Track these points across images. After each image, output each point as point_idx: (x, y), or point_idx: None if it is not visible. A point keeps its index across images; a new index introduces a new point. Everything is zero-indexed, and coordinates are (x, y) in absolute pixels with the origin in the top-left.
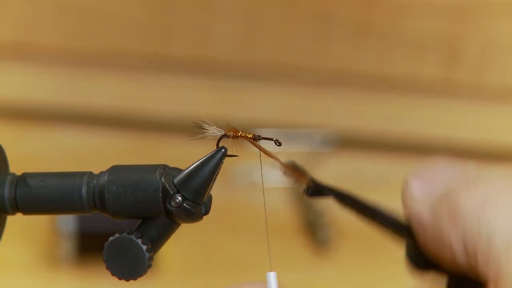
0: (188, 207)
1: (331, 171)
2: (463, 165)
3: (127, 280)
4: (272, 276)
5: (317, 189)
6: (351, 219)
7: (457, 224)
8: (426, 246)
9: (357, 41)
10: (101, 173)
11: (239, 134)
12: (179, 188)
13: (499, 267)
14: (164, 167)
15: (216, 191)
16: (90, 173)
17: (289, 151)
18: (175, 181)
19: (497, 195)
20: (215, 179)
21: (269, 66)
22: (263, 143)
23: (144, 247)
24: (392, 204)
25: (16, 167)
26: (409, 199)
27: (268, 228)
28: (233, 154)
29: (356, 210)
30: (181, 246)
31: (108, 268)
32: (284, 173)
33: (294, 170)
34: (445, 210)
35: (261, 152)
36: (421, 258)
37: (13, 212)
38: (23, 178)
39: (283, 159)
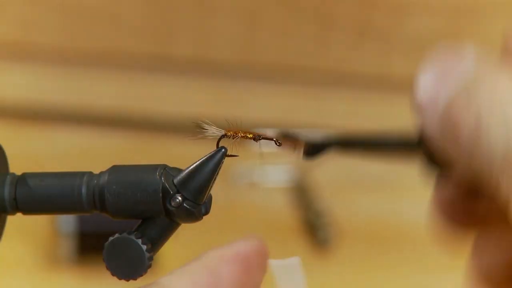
0: (188, 207)
1: (331, 171)
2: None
3: (127, 280)
4: (297, 262)
5: (315, 148)
6: (351, 219)
7: (460, 142)
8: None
9: (357, 41)
10: (101, 173)
11: (239, 134)
12: (179, 188)
13: None
14: (164, 167)
15: (216, 191)
16: (90, 173)
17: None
18: (175, 181)
19: (494, 101)
20: (215, 179)
21: (269, 66)
22: (262, 143)
23: (144, 247)
24: (392, 204)
25: (16, 167)
26: (419, 108)
27: (271, 227)
28: (233, 154)
29: (362, 150)
30: (181, 246)
31: (108, 268)
32: (279, 144)
33: (286, 138)
34: (448, 124)
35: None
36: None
37: (13, 212)
38: (23, 178)
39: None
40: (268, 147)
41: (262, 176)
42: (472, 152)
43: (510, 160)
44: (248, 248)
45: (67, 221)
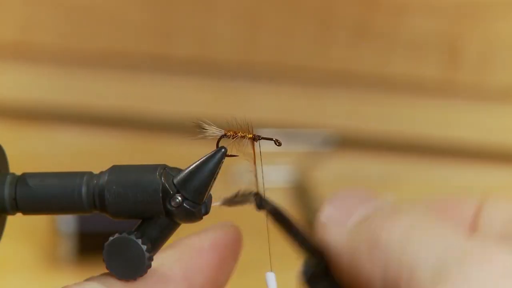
0: (188, 207)
1: (331, 171)
2: (377, 196)
3: (127, 280)
4: (271, 277)
5: (260, 202)
6: None
7: (378, 256)
8: (340, 273)
9: (357, 41)
10: (101, 173)
11: (239, 134)
12: (179, 188)
13: None
14: (164, 167)
15: (216, 191)
16: (90, 173)
17: (289, 151)
18: (175, 181)
19: (419, 228)
20: (215, 179)
21: (269, 66)
22: (262, 143)
23: (144, 247)
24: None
25: (16, 167)
26: (324, 225)
27: (268, 228)
28: (233, 154)
29: (284, 229)
30: None
31: (108, 268)
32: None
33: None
34: (365, 240)
35: (260, 152)
36: (323, 283)
37: (13, 212)
38: (23, 178)
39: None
40: (268, 147)
41: (263, 176)
42: (389, 263)
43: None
44: (223, 237)
45: (67, 221)
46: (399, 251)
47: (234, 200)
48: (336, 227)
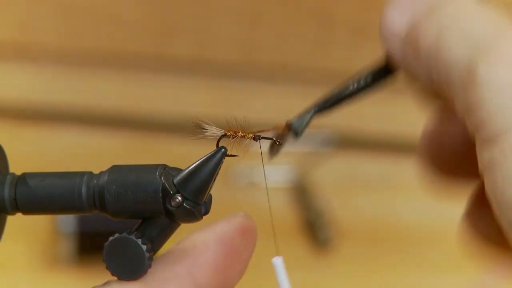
0: (188, 207)
1: (331, 171)
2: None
3: (127, 280)
4: (279, 262)
5: (299, 126)
6: (351, 219)
7: (420, 58)
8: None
9: (357, 41)
10: (101, 173)
11: (239, 134)
12: (179, 188)
13: (465, 100)
14: (164, 167)
15: (216, 191)
16: (90, 173)
17: (289, 151)
18: (175, 181)
19: (456, 18)
20: (215, 179)
21: (269, 66)
22: (262, 143)
23: (144, 247)
24: (392, 204)
25: (16, 167)
26: (383, 33)
27: (272, 215)
28: (233, 154)
29: (340, 103)
30: None
31: (108, 268)
32: (278, 144)
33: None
34: (409, 44)
35: (261, 152)
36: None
37: (13, 212)
38: (23, 178)
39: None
40: (268, 147)
41: (262, 176)
42: (431, 66)
43: (471, 72)
44: (231, 229)
45: (67, 221)
46: (434, 50)
47: (274, 147)
48: (393, 36)
